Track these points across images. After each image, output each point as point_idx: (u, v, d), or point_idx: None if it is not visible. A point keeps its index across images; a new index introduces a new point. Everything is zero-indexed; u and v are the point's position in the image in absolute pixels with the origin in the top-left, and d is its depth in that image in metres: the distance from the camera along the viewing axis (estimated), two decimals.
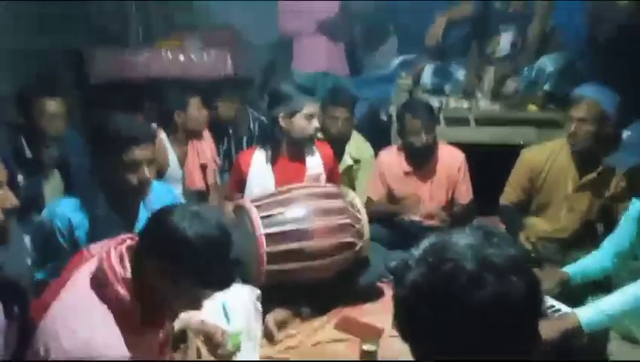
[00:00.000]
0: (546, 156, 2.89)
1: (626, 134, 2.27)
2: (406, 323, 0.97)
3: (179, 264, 1.43)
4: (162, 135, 3.39)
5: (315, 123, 2.83)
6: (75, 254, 1.65)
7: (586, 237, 2.84)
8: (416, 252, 0.98)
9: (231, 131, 3.90)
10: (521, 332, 0.94)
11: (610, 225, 2.78)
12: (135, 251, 1.49)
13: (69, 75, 4.40)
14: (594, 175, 2.80)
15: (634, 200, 2.29)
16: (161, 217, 1.46)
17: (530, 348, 0.95)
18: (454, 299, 0.91)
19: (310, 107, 2.81)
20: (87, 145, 2.30)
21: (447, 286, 0.92)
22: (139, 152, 2.04)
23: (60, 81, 3.89)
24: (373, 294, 2.70)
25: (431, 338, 0.94)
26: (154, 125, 3.44)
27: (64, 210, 2.14)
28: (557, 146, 2.90)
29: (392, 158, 3.26)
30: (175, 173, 3.41)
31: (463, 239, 0.96)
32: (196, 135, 3.46)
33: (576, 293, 2.44)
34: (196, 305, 1.52)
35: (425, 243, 0.99)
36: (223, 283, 1.48)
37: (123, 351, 1.41)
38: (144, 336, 1.53)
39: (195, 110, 3.41)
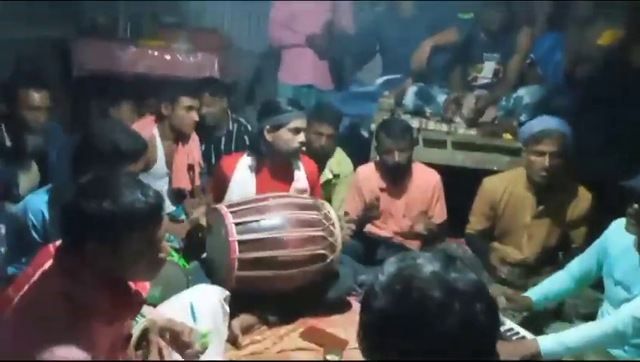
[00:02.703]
0: (505, 185, 2.98)
1: None
2: (372, 346, 1.01)
3: (116, 237, 1.44)
4: (155, 130, 3.36)
5: (301, 137, 2.82)
6: (41, 249, 1.62)
7: (548, 264, 2.93)
8: (382, 277, 1.02)
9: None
10: (481, 352, 0.99)
11: (568, 251, 2.90)
12: (67, 247, 1.49)
13: (53, 65, 4.38)
14: (550, 203, 2.90)
15: (607, 230, 2.37)
16: (78, 203, 1.44)
17: None
18: (423, 326, 0.96)
19: (297, 121, 2.81)
20: (74, 152, 2.24)
21: (416, 314, 0.97)
22: (135, 167, 2.14)
23: (45, 72, 3.86)
24: (341, 306, 2.74)
25: (395, 360, 0.98)
26: (150, 117, 3.44)
27: (39, 204, 2.14)
28: (515, 176, 2.99)
29: (370, 174, 3.33)
30: (160, 170, 3.38)
31: (427, 266, 1.01)
32: (183, 137, 3.42)
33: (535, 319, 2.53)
34: (156, 262, 1.53)
35: (390, 268, 1.02)
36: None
37: (83, 356, 1.40)
38: (111, 327, 1.53)
39: (184, 110, 3.34)
